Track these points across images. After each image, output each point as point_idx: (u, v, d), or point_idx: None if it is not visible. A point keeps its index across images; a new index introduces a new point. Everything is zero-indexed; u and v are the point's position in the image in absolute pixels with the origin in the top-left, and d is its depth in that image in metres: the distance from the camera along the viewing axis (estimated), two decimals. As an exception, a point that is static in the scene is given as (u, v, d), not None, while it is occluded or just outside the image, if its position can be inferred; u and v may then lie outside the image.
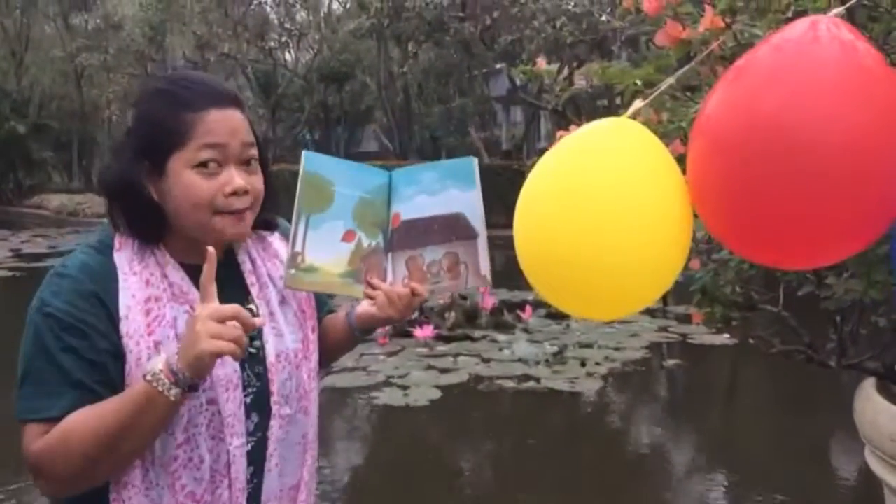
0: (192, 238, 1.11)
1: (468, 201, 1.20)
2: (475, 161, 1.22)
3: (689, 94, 1.72)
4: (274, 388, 1.14)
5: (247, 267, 1.19)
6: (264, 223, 1.21)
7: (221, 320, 0.99)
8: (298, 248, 1.13)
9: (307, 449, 1.21)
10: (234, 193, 1.08)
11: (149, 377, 0.99)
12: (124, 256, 1.09)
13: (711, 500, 3.78)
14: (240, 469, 1.09)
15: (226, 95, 1.11)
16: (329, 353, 1.34)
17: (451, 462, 4.34)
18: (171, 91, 1.10)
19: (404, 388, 5.33)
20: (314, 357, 1.23)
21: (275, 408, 1.14)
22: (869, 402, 1.89)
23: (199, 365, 0.98)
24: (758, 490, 3.73)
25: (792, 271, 2.00)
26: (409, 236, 1.22)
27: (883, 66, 0.87)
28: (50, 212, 21.43)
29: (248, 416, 1.11)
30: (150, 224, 1.10)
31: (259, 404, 1.13)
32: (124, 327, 1.05)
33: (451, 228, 1.20)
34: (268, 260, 1.22)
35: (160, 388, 0.98)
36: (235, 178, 1.08)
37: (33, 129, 24.08)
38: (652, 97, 1.26)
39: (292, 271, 1.13)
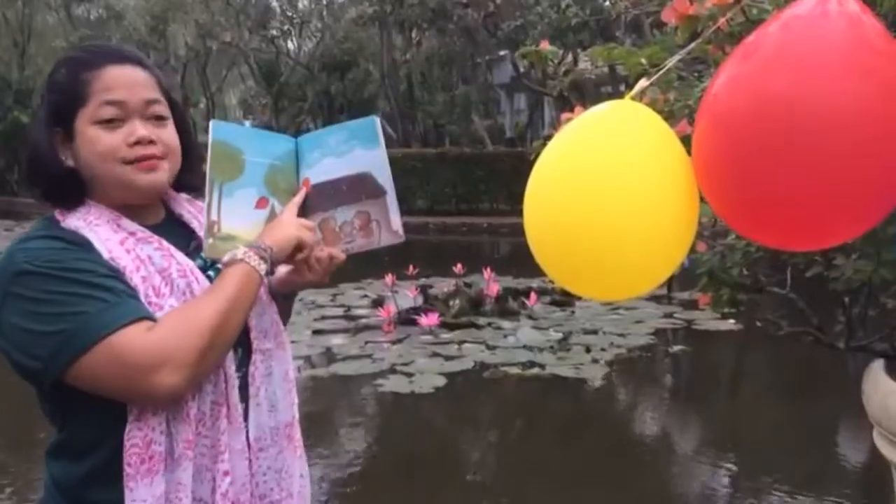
0: (117, 203, 1.13)
1: (374, 160, 1.22)
2: (377, 120, 1.25)
3: (696, 73, 1.70)
4: (252, 322, 1.17)
5: (194, 224, 1.22)
6: (187, 185, 1.24)
7: (306, 225, 1.16)
8: (214, 216, 1.13)
9: (292, 387, 1.25)
10: (138, 143, 1.10)
11: (240, 256, 1.09)
12: (75, 221, 1.10)
13: (717, 485, 3.78)
14: (236, 395, 1.13)
15: (125, 54, 1.15)
16: None
17: (456, 449, 4.34)
18: (73, 57, 1.14)
19: (409, 375, 5.33)
20: (274, 304, 1.26)
21: (255, 342, 1.17)
22: (878, 383, 1.88)
23: (285, 245, 1.14)
24: (763, 475, 3.73)
25: (799, 253, 1.98)
26: (319, 199, 1.24)
27: (887, 41, 0.86)
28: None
29: (234, 352, 1.14)
30: (67, 191, 1.11)
31: (240, 342, 1.15)
32: (115, 264, 1.06)
33: (360, 188, 1.22)
34: (200, 214, 1.24)
35: (252, 263, 1.09)
36: (138, 128, 1.10)
37: (36, 120, 24.08)
38: (658, 75, 1.25)
39: (210, 240, 1.13)
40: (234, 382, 1.13)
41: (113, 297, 1.02)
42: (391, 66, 19.97)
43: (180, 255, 1.13)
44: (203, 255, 1.17)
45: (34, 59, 25.13)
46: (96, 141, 1.09)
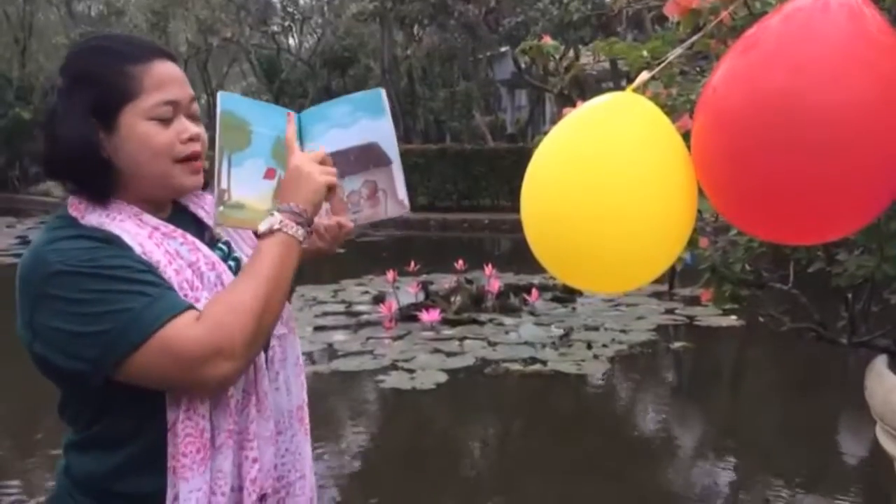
0: (143, 198, 1.12)
1: (380, 129, 1.22)
2: (383, 91, 1.25)
3: (698, 68, 1.69)
4: None
5: (201, 213, 1.22)
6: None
7: (318, 160, 1.13)
8: (224, 185, 1.13)
9: (301, 372, 1.26)
10: (191, 139, 1.11)
11: (276, 226, 1.07)
12: (96, 218, 1.08)
13: (718, 481, 3.77)
14: (266, 383, 1.13)
15: (160, 48, 1.14)
16: None
17: (458, 445, 4.34)
18: (108, 47, 1.11)
19: (411, 371, 5.33)
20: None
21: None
22: (880, 379, 1.88)
23: (318, 199, 1.11)
24: (765, 470, 3.73)
25: (802, 248, 1.98)
26: None
27: (888, 34, 0.85)
28: (56, 199, 21.43)
29: None
30: (102, 181, 1.09)
31: None
32: (147, 259, 1.05)
33: (367, 157, 1.23)
34: (206, 204, 1.25)
35: (290, 232, 1.07)
36: (189, 126, 1.11)
37: (38, 116, 24.07)
38: (660, 68, 1.24)
39: (221, 208, 1.13)
40: (264, 371, 1.14)
41: (155, 290, 1.01)
42: (392, 62, 19.94)
43: (205, 248, 1.13)
44: (214, 222, 1.17)
45: (35, 55, 25.12)
46: (151, 136, 1.08)
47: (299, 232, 1.08)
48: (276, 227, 1.07)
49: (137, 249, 1.05)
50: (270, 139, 1.19)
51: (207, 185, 1.25)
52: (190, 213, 1.22)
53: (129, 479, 1.06)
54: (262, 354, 1.14)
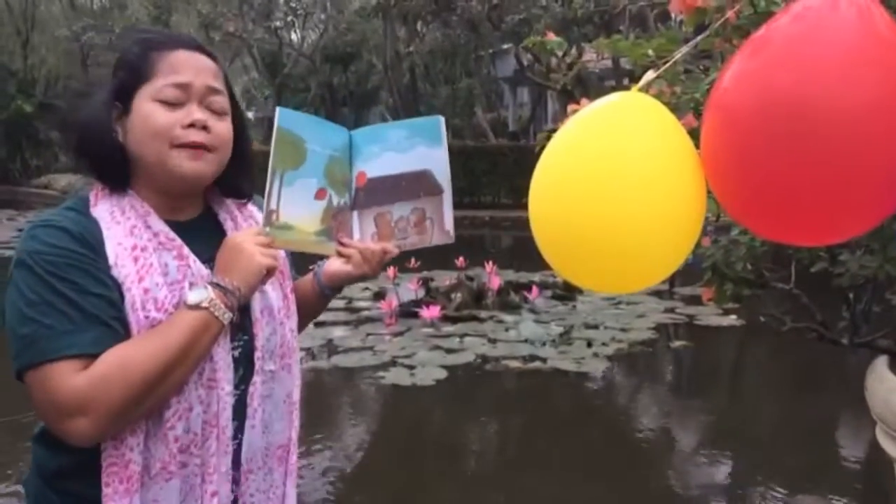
0: (159, 189, 1.11)
1: (436, 158, 1.22)
2: (442, 120, 1.24)
3: (702, 66, 1.69)
4: (258, 342, 1.15)
5: (228, 224, 1.20)
6: (237, 190, 1.22)
7: (262, 243, 1.09)
8: (273, 205, 1.12)
9: (293, 409, 1.22)
10: (192, 125, 1.08)
11: (205, 304, 1.03)
12: (104, 209, 1.09)
13: (717, 480, 3.78)
14: (228, 417, 1.09)
15: (196, 43, 1.14)
16: (301, 317, 1.34)
17: (457, 442, 4.34)
18: (145, 38, 1.13)
19: (411, 367, 5.33)
20: (294, 316, 1.25)
21: (258, 363, 1.15)
22: (881, 380, 1.87)
23: (255, 281, 1.08)
24: (764, 470, 3.73)
25: (804, 248, 1.97)
26: (376, 193, 1.23)
27: (895, 32, 0.85)
28: (57, 192, 21.42)
29: (235, 370, 1.11)
30: (114, 166, 1.10)
31: (245, 359, 1.14)
32: (115, 273, 1.04)
33: (419, 184, 1.22)
34: (245, 220, 1.22)
35: (216, 314, 1.04)
36: (195, 111, 1.09)
37: (40, 109, 24.04)
38: (665, 67, 1.24)
39: (268, 229, 1.12)
40: (227, 405, 1.09)
41: (80, 318, 0.99)
42: (394, 58, 19.92)
43: (198, 266, 1.10)
44: None
45: (37, 48, 25.09)
46: (151, 116, 1.07)
47: (226, 316, 1.05)
48: (205, 305, 1.03)
49: (111, 259, 1.04)
50: (324, 157, 1.18)
51: (250, 199, 1.24)
52: (217, 219, 1.20)
53: (73, 479, 1.07)
54: (228, 386, 1.09)
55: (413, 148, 1.21)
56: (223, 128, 1.12)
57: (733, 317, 6.43)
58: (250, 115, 25.57)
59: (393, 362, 5.46)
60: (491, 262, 7.31)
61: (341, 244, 1.22)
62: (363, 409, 4.90)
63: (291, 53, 23.35)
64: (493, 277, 7.14)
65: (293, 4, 22.16)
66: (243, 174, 1.20)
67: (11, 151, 25.10)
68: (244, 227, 1.20)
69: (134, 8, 23.16)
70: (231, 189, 1.21)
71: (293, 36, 24.34)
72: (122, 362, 0.99)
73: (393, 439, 4.37)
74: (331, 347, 5.90)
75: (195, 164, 1.09)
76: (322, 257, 1.28)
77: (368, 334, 6.21)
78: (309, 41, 24.33)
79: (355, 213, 1.24)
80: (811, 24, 0.86)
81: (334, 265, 1.27)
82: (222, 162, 1.13)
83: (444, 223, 1.23)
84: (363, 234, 1.24)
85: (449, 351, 5.74)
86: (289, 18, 22.63)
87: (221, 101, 1.12)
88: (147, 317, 1.03)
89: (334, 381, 5.25)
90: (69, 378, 0.97)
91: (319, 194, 1.17)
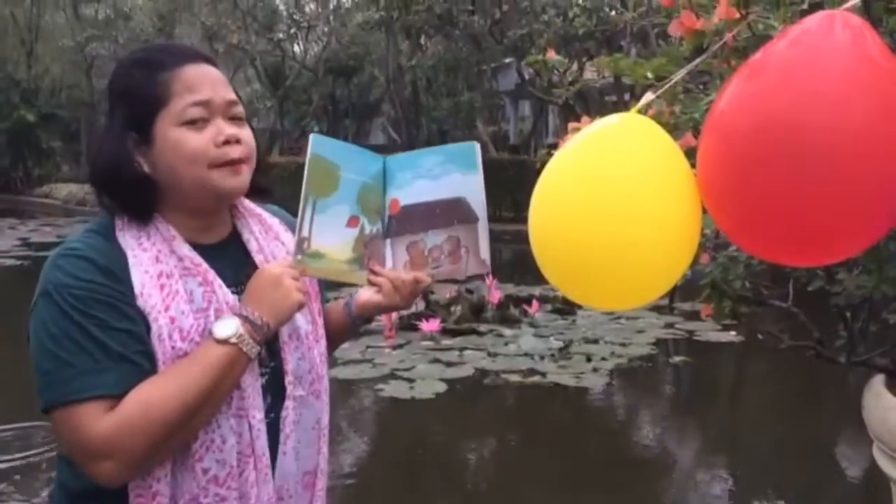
0: (190, 211, 1.10)
1: (471, 185, 1.19)
2: (477, 145, 1.21)
3: (701, 86, 1.71)
4: (288, 367, 1.12)
5: (252, 245, 1.17)
6: (257, 189, 1.19)
7: (295, 276, 1.07)
8: (305, 233, 1.10)
9: (321, 435, 1.19)
10: (227, 142, 1.06)
11: (234, 339, 1.01)
12: (129, 235, 1.06)
13: (716, 496, 3.77)
14: (264, 444, 1.07)
15: (197, 52, 1.11)
16: (329, 342, 1.32)
17: (456, 455, 4.34)
18: (141, 59, 1.10)
19: (410, 380, 5.33)
20: (323, 340, 1.22)
21: (289, 388, 1.12)
22: (878, 399, 1.88)
23: (286, 318, 1.06)
24: (762, 488, 3.72)
25: (802, 267, 1.98)
26: (409, 221, 1.20)
27: (888, 58, 0.87)
28: (59, 201, 21.46)
29: (263, 397, 1.09)
30: (142, 199, 1.07)
31: (273, 385, 1.11)
32: (141, 303, 1.02)
33: (453, 212, 1.19)
34: (270, 241, 1.20)
35: (245, 349, 1.01)
36: (225, 127, 1.06)
37: (42, 119, 24.15)
38: (664, 88, 1.26)
39: (299, 257, 1.10)
40: (261, 433, 1.07)
41: (103, 357, 0.98)
42: (396, 71, 20.00)
43: (223, 292, 1.07)
44: None
45: (41, 58, 25.22)
46: (184, 142, 1.04)
47: (253, 350, 1.03)
48: (234, 340, 1.01)
49: (137, 288, 1.02)
50: (357, 185, 1.15)
51: (270, 195, 1.21)
52: (242, 240, 1.17)
53: (100, 502, 1.05)
54: (259, 414, 1.07)
55: (447, 174, 1.18)
56: (248, 135, 1.10)
57: (733, 333, 6.42)
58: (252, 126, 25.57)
59: (392, 375, 5.46)
60: (491, 276, 7.32)
61: (373, 272, 1.19)
62: (362, 421, 4.89)
63: (294, 65, 23.45)
64: (493, 291, 7.14)
65: (296, 17, 22.28)
66: (258, 171, 1.17)
67: (14, 160, 25.17)
68: (268, 249, 1.17)
69: (138, 19, 23.30)
70: (251, 188, 1.17)
71: (296, 48, 24.46)
72: (143, 408, 0.97)
73: (391, 452, 4.36)
74: (330, 359, 5.88)
75: (237, 180, 1.08)
76: (354, 286, 1.25)
77: (368, 346, 6.21)
78: (312, 53, 24.44)
79: (388, 242, 1.21)
80: (806, 49, 0.88)
81: (365, 294, 1.25)
82: (252, 169, 1.12)
83: (479, 252, 1.19)
84: (395, 262, 1.21)
85: (448, 364, 5.74)
86: (292, 31, 22.74)
87: (240, 110, 1.10)
88: (174, 346, 1.02)
89: (333, 393, 5.21)
90: (94, 422, 0.96)
91: (351, 222, 1.15)
